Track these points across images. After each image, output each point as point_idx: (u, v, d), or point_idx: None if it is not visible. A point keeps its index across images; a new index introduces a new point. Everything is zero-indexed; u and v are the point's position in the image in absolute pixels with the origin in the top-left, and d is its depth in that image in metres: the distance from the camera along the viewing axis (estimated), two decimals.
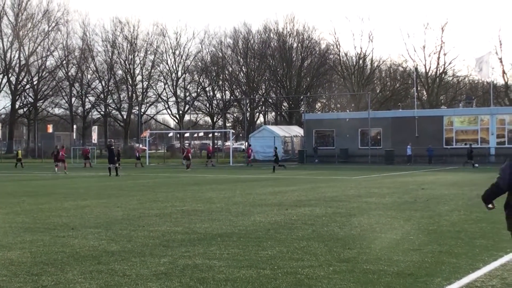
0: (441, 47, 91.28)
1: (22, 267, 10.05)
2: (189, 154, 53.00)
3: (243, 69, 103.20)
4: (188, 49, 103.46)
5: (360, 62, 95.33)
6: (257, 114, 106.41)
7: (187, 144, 72.37)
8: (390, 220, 15.73)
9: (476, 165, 51.31)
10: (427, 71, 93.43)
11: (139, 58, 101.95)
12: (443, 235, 13.16)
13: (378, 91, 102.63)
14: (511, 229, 7.61)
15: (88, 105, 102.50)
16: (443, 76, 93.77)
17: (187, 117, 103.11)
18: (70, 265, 10.20)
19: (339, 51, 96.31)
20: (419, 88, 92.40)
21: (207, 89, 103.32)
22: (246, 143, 78.62)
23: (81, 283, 8.91)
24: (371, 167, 52.57)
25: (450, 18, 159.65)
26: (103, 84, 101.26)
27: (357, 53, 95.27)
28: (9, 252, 11.37)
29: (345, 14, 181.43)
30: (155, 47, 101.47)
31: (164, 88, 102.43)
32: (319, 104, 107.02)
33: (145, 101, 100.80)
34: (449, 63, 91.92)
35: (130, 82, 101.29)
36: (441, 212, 17.63)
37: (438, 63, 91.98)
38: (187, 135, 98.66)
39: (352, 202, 20.64)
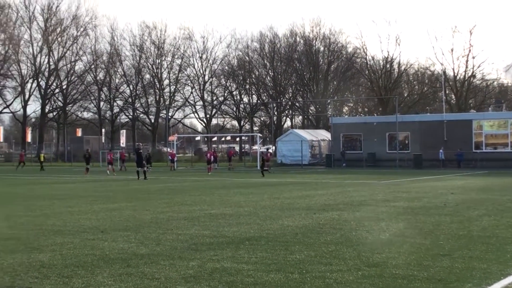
0: (470, 50, 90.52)
1: (53, 269, 10.14)
2: (212, 157, 53.89)
3: (270, 73, 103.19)
4: (215, 53, 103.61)
5: (387, 65, 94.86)
6: (284, 118, 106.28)
7: (214, 147, 72.65)
8: (419, 225, 15.63)
9: None
10: (456, 74, 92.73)
11: (167, 62, 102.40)
12: (473, 240, 13.05)
13: (405, 94, 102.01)
14: None
15: (116, 109, 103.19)
16: (471, 79, 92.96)
17: (214, 121, 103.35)
18: (100, 267, 10.27)
19: (366, 54, 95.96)
20: (447, 92, 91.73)
21: (234, 93, 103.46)
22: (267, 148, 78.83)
23: (111, 285, 8.97)
24: (399, 172, 52.29)
25: (479, 21, 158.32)
26: (131, 88, 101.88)
27: (384, 57, 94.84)
28: (40, 254, 11.48)
29: (371, 18, 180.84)
30: (182, 51, 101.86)
31: (191, 92, 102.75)
32: (346, 108, 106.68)
33: (173, 105, 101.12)
34: (478, 67, 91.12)
35: (158, 86, 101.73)
36: (471, 217, 17.48)
37: (466, 67, 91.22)
38: (214, 139, 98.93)
39: (380, 207, 20.54)
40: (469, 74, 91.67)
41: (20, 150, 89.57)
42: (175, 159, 63.94)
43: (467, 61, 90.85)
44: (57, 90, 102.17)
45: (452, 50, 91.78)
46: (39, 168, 60.49)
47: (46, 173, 52.73)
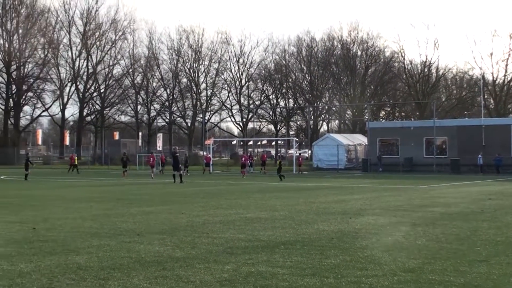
0: (509, 54, 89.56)
1: (89, 271, 10.25)
2: (247, 162, 54.09)
3: (307, 77, 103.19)
4: (252, 57, 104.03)
5: (425, 70, 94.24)
6: (321, 122, 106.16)
7: (250, 151, 72.75)
8: (456, 230, 15.48)
9: None
10: (495, 79, 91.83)
11: (204, 66, 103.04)
12: (511, 247, 12.89)
13: (443, 99, 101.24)
14: None
15: (153, 113, 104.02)
16: (511, 84, 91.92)
17: (250, 125, 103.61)
18: (136, 270, 10.35)
19: (404, 58, 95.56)
20: (486, 96, 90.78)
21: (270, 97, 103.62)
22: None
23: None
24: (436, 176, 51.83)
25: None
26: (168, 92, 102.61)
27: (422, 61, 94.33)
28: (77, 257, 11.60)
29: (410, 21, 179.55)
30: (219, 56, 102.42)
31: (228, 96, 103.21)
32: (383, 112, 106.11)
33: (209, 108, 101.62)
34: None
35: (195, 90, 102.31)
36: (509, 223, 17.27)
37: (506, 71, 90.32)
38: (250, 143, 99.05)
39: (417, 212, 20.39)
40: (509, 79, 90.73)
41: (70, 153, 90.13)
42: (211, 162, 64.13)
43: (506, 65, 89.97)
44: (95, 94, 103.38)
45: (491, 54, 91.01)
46: (76, 170, 60.86)
47: (83, 176, 53.21)
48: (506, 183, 41.38)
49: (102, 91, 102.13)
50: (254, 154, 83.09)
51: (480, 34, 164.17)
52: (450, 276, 9.81)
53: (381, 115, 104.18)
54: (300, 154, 68.23)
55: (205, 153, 75.67)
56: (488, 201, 25.04)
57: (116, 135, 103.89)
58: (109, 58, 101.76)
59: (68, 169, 63.15)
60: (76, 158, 65.86)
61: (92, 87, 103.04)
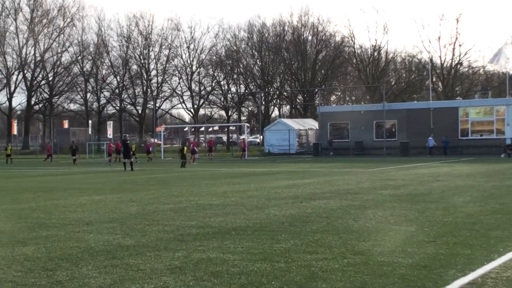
0: (456, 38, 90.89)
1: (37, 262, 10.09)
2: (195, 148, 54.71)
3: (258, 63, 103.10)
4: (203, 43, 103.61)
5: (375, 54, 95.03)
6: (272, 107, 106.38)
7: (192, 137, 72.78)
8: (405, 212, 15.68)
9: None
10: (442, 62, 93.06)
11: (154, 53, 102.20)
12: (458, 227, 13.10)
13: (393, 83, 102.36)
14: None
15: (103, 100, 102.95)
16: (458, 67, 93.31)
17: (202, 111, 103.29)
18: (84, 260, 10.23)
19: (354, 43, 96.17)
20: (434, 80, 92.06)
21: (221, 83, 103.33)
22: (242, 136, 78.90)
23: (95, 277, 8.94)
24: (386, 159, 52.44)
25: (465, 8, 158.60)
26: (118, 79, 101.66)
27: (372, 45, 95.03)
28: (24, 248, 11.42)
29: (359, 6, 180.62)
30: (170, 42, 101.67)
31: (179, 83, 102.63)
32: (334, 96, 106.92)
33: (160, 95, 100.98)
34: (465, 54, 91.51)
35: (145, 76, 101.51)
36: (456, 203, 17.55)
37: (453, 54, 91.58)
38: (202, 129, 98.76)
39: (367, 195, 20.59)
40: (456, 62, 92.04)
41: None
42: (151, 149, 64.02)
43: (453, 49, 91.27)
44: (43, 82, 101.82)
45: (439, 38, 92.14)
46: (5, 161, 59.82)
47: (31, 166, 52.43)
48: (453, 164, 42.06)
49: (50, 79, 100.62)
50: (206, 140, 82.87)
51: (428, 18, 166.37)
52: (398, 257, 9.92)
53: (331, 99, 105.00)
54: (243, 139, 68.40)
55: (156, 140, 75.22)
56: (436, 183, 25.43)
57: (66, 124, 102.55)
58: (57, 45, 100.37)
59: (45, 158, 62.24)
60: (9, 147, 64.85)
61: (40, 75, 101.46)
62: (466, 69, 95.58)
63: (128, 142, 42.94)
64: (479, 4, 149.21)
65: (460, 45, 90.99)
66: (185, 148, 48.55)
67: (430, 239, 11.65)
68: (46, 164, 54.85)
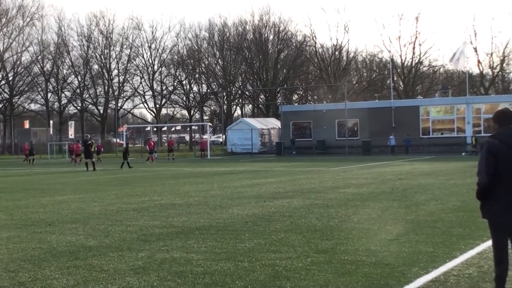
0: (416, 37, 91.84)
1: None
2: (153, 148, 55.50)
3: (220, 62, 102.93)
4: (164, 43, 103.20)
5: (336, 53, 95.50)
6: (234, 106, 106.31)
7: (151, 137, 72.79)
8: (368, 211, 15.80)
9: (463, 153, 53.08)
10: (403, 61, 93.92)
11: (115, 52, 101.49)
12: (420, 225, 13.23)
13: (354, 82, 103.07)
14: (486, 217, 7.64)
15: (64, 100, 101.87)
16: (418, 66, 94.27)
17: (164, 111, 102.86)
18: (47, 261, 10.14)
19: (315, 42, 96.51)
20: (395, 79, 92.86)
21: (183, 82, 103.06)
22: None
23: (58, 278, 8.86)
24: (349, 158, 52.77)
25: (424, 8, 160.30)
26: (79, 79, 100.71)
27: (333, 45, 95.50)
28: None
29: (320, 5, 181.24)
30: (131, 41, 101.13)
31: (141, 82, 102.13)
32: (296, 96, 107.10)
33: (122, 95, 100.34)
34: (425, 53, 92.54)
35: (106, 76, 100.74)
36: (418, 201, 17.73)
37: (413, 53, 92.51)
38: (164, 129, 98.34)
39: (330, 193, 20.69)
40: (416, 61, 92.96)
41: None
42: (101, 149, 63.67)
43: (414, 48, 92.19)
44: (3, 82, 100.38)
45: (399, 37, 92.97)
46: None
47: None
48: (415, 162, 42.48)
49: (10, 79, 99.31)
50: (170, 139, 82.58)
51: (388, 18, 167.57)
52: (362, 256, 10.00)
53: (294, 98, 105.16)
54: (203, 138, 68.74)
55: (119, 140, 74.64)
56: (398, 181, 25.65)
57: (26, 124, 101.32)
58: (17, 45, 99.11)
59: (24, 159, 61.38)
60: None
61: (0, 75, 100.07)
62: (427, 68, 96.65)
63: (90, 142, 42.48)
64: (438, 4, 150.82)
65: (420, 44, 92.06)
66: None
67: (393, 237, 11.76)
68: (19, 165, 54.20)
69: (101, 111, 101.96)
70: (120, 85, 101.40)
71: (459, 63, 65.71)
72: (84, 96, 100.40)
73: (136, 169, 41.85)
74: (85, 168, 40.66)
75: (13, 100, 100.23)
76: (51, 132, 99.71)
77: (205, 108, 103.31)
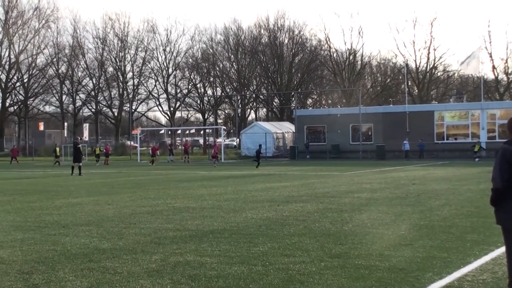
0: (431, 42, 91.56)
1: (13, 265, 10.01)
2: (156, 151, 56.42)
3: (234, 66, 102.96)
4: (179, 46, 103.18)
5: (351, 57, 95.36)
6: (248, 110, 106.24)
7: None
8: (381, 216, 15.75)
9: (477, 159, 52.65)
10: (417, 66, 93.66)
11: (130, 55, 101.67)
12: (434, 230, 13.18)
13: (369, 86, 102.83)
14: (500, 223, 7.60)
15: (79, 103, 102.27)
16: (433, 71, 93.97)
17: (178, 114, 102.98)
18: (61, 263, 10.16)
19: (330, 47, 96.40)
20: (409, 84, 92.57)
21: (198, 85, 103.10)
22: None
23: (72, 281, 8.89)
24: (362, 163, 52.65)
25: (439, 13, 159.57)
26: (94, 82, 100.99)
27: (348, 49, 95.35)
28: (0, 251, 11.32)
29: (334, 10, 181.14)
30: (146, 44, 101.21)
31: (155, 85, 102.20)
32: (310, 100, 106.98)
33: (136, 98, 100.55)
34: (439, 58, 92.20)
35: (121, 79, 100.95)
36: (432, 207, 17.66)
37: (428, 58, 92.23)
38: (178, 132, 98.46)
39: (344, 198, 20.65)
40: (431, 66, 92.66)
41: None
42: (110, 152, 64.17)
43: (428, 53, 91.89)
44: (18, 84, 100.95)
45: (413, 42, 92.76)
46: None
47: (5, 168, 52.00)
48: (429, 168, 42.33)
49: (25, 81, 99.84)
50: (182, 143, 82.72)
51: (402, 23, 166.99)
52: (375, 261, 9.97)
53: (308, 102, 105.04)
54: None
55: (133, 143, 74.95)
56: (412, 186, 25.56)
57: (41, 126, 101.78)
58: (32, 47, 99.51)
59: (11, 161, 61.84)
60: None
61: (15, 77, 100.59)
62: (441, 73, 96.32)
63: (79, 146, 41.48)
64: (453, 8, 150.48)
65: (434, 49, 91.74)
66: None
67: (407, 242, 11.72)
68: (18, 167, 54.41)
69: (116, 114, 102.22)
70: (135, 87, 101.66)
71: (469, 66, 65.26)
72: (98, 98, 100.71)
73: (149, 172, 41.94)
74: (78, 171, 39.04)
75: (28, 102, 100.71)
76: (65, 134, 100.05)
77: (219, 112, 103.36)
